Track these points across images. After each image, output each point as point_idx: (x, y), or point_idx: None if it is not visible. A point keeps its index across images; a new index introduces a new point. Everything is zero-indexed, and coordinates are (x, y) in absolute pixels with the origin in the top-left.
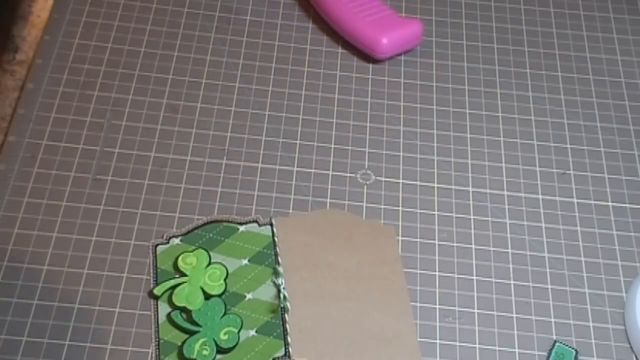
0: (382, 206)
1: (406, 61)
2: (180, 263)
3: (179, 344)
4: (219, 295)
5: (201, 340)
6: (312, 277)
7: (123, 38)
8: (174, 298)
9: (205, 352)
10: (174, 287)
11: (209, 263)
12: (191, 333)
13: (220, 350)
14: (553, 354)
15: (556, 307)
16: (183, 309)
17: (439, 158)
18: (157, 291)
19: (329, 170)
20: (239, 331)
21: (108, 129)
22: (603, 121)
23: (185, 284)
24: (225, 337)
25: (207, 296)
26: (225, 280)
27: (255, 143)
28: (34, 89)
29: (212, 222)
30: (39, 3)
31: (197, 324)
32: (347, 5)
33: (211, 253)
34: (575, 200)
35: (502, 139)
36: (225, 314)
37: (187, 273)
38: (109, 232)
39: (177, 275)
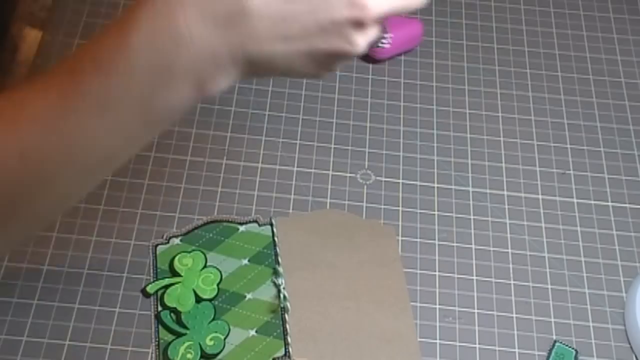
0: (382, 206)
1: (406, 61)
2: (176, 263)
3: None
4: (210, 300)
5: (187, 344)
6: (312, 277)
7: None
8: (165, 298)
9: (189, 356)
10: (167, 287)
11: (205, 266)
12: (178, 335)
13: (205, 356)
14: (553, 354)
15: (556, 307)
16: (173, 310)
17: (439, 158)
18: (150, 289)
19: (329, 170)
20: (225, 338)
21: None
22: (603, 121)
23: (179, 284)
24: (211, 342)
25: (199, 299)
26: (218, 285)
27: (255, 143)
28: None
29: (212, 222)
30: (39, 3)
31: (185, 327)
32: None
33: (211, 253)
34: (575, 200)
35: (502, 139)
36: (214, 319)
37: (182, 274)
38: (109, 232)
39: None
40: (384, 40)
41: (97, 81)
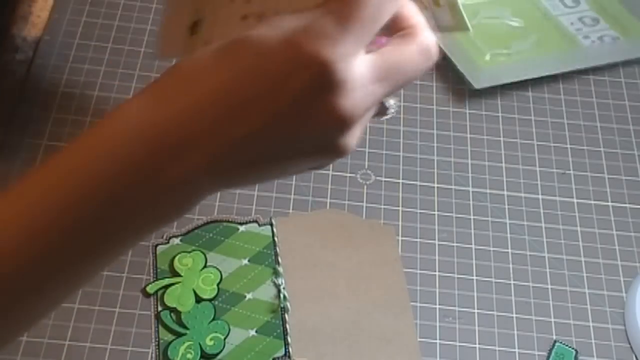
0: (382, 206)
1: None
2: (176, 263)
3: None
4: (211, 300)
5: (187, 344)
6: (312, 277)
7: (123, 38)
8: (165, 298)
9: (189, 356)
10: (167, 287)
11: (205, 266)
12: (178, 335)
13: (205, 356)
14: (553, 354)
15: (556, 307)
16: (173, 310)
17: (439, 158)
18: (150, 289)
19: (329, 170)
20: (225, 338)
21: None
22: (603, 121)
23: (179, 284)
24: (211, 342)
25: (199, 299)
26: (218, 285)
27: None
28: (34, 89)
29: (212, 222)
30: (39, 3)
31: (185, 327)
32: None
33: (211, 253)
34: (575, 200)
35: (502, 139)
36: (214, 319)
37: (182, 274)
38: None
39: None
40: (390, 110)
41: (56, 225)
